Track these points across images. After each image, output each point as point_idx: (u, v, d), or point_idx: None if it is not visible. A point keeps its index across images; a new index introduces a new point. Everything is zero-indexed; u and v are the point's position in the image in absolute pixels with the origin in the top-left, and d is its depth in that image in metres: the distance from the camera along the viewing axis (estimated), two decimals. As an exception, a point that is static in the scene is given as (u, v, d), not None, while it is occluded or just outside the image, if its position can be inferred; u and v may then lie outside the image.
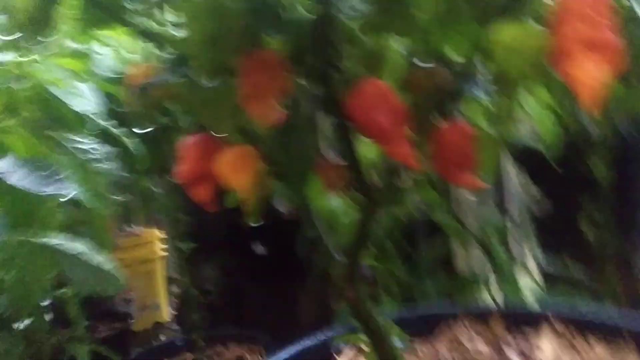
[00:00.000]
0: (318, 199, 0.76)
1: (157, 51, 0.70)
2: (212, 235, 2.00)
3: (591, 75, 0.46)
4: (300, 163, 0.55)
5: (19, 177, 0.70)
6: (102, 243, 1.25)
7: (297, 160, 0.55)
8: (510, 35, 0.47)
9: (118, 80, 1.23)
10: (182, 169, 0.62)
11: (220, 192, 0.71)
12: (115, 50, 1.21)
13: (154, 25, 0.65)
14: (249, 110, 0.56)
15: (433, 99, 0.59)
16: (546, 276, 1.50)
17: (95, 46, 1.22)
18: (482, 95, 0.60)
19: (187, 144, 0.63)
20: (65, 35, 1.03)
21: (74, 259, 0.78)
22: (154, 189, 1.85)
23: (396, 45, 0.68)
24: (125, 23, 0.66)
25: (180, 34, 0.54)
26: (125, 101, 0.67)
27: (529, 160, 1.57)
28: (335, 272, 0.63)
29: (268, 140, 0.59)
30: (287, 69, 0.56)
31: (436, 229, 1.31)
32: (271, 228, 2.00)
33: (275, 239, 1.94)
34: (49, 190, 0.72)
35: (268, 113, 0.55)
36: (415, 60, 0.63)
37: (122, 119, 1.34)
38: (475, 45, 0.53)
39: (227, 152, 0.60)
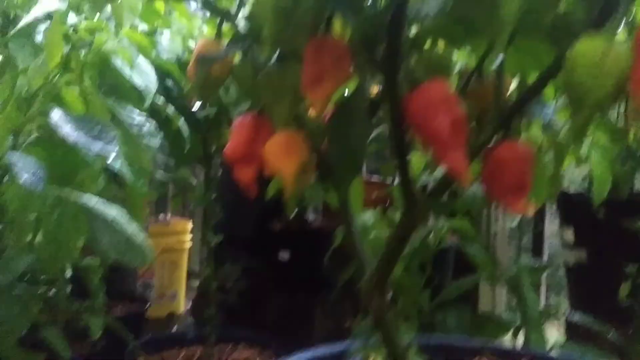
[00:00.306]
0: (357, 201, 0.74)
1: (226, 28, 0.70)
2: (241, 234, 2.00)
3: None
4: (351, 157, 0.54)
5: (69, 130, 0.70)
6: (135, 220, 1.26)
7: (349, 154, 0.54)
8: (592, 51, 0.45)
9: (178, 62, 1.25)
10: (231, 147, 0.61)
11: (263, 182, 0.70)
12: (179, 32, 1.22)
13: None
14: (309, 96, 0.55)
15: (496, 113, 0.57)
16: (573, 328, 1.45)
17: (160, 25, 1.24)
18: (548, 116, 0.58)
19: (239, 122, 0.62)
20: (131, 10, 1.05)
21: (108, 223, 0.78)
22: (192, 178, 1.87)
23: (466, 53, 0.67)
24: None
25: (249, 8, 0.54)
26: (188, 76, 0.67)
27: (572, 206, 1.54)
28: (364, 281, 0.61)
29: (321, 130, 0.58)
30: (353, 58, 0.55)
31: (467, 262, 1.28)
32: (299, 237, 2.00)
33: (302, 249, 1.93)
34: (96, 148, 0.72)
35: (326, 100, 0.54)
36: (483, 71, 0.62)
37: (177, 102, 1.36)
38: (552, 63, 0.51)
39: (278, 135, 0.59)
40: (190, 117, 1.41)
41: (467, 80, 0.61)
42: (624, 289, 1.34)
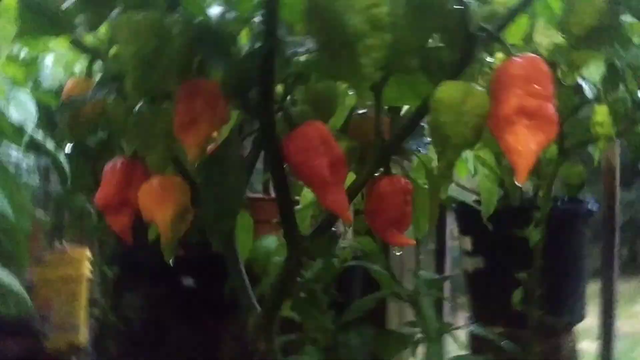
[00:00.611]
0: (246, 236, 0.73)
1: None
2: (140, 261, 1.93)
3: (527, 144, 0.45)
4: (227, 202, 0.52)
5: None
6: (20, 258, 1.18)
7: (224, 199, 0.52)
8: (454, 95, 0.46)
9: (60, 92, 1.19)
10: (102, 194, 0.58)
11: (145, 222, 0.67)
12: (60, 61, 1.16)
13: (91, 38, 0.62)
14: (182, 139, 0.53)
15: (374, 149, 0.57)
16: (474, 340, 1.50)
17: (41, 55, 1.18)
18: (423, 151, 0.59)
19: (110, 167, 0.59)
20: (5, 41, 0.98)
21: (-23, 274, 0.72)
22: (87, 207, 1.79)
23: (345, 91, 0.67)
24: (63, 32, 0.63)
25: (116, 50, 0.51)
26: (59, 115, 0.63)
27: (470, 218, 1.59)
28: (251, 321, 0.59)
29: (197, 173, 0.56)
30: (226, 101, 0.53)
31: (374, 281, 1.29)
32: (202, 262, 1.95)
33: (206, 274, 1.88)
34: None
35: (201, 144, 0.53)
36: (361, 108, 0.62)
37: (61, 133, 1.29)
38: (422, 101, 0.52)
39: (151, 181, 0.57)
40: (77, 145, 1.35)
41: (349, 116, 0.61)
42: (517, 295, 1.39)
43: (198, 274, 1.86)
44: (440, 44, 0.54)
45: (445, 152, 0.47)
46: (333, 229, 1.68)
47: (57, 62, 1.15)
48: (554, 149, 1.37)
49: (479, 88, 0.47)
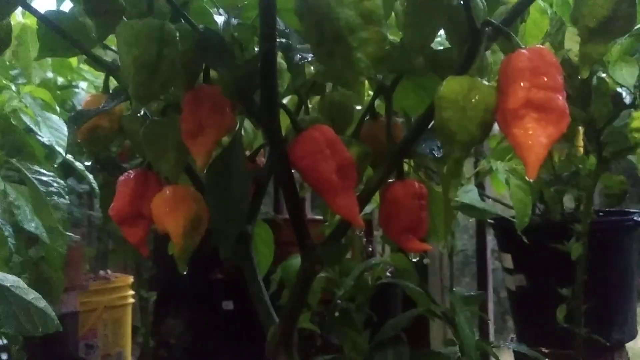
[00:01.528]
0: (267, 249, 0.72)
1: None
2: (181, 286, 1.94)
3: (537, 138, 0.43)
4: (232, 207, 0.52)
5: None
6: (55, 282, 1.21)
7: (229, 204, 0.51)
8: (457, 90, 0.45)
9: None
10: (116, 207, 0.59)
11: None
12: (92, 84, 1.20)
13: (106, 52, 0.63)
14: (190, 147, 0.53)
15: (388, 153, 0.56)
16: (521, 355, 1.44)
17: (74, 79, 1.22)
18: (436, 153, 0.58)
19: (124, 180, 0.60)
20: (39, 65, 1.02)
21: (4, 291, 0.74)
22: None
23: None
24: (81, 50, 0.64)
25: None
26: (69, 127, 0.64)
27: (509, 235, 1.54)
28: (269, 336, 0.58)
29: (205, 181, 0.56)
30: (232, 107, 0.53)
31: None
32: (242, 284, 1.94)
33: (245, 297, 1.88)
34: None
35: (208, 151, 0.53)
36: (371, 112, 0.61)
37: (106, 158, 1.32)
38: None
39: (164, 191, 0.57)
40: (113, 168, 1.38)
41: (360, 122, 0.60)
42: (561, 312, 1.34)
43: (238, 296, 1.87)
44: (448, 43, 0.53)
45: (452, 149, 0.46)
46: (369, 248, 1.66)
47: (91, 85, 1.18)
48: (593, 160, 1.33)
49: (484, 82, 0.46)
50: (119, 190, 0.59)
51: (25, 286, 0.76)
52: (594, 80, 1.25)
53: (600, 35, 0.51)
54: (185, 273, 1.83)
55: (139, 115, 0.61)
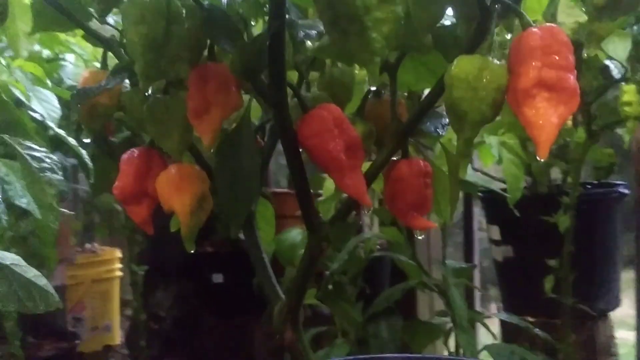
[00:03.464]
0: (268, 227, 0.72)
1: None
2: (170, 260, 1.95)
3: (548, 118, 0.44)
4: (242, 187, 0.52)
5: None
6: (48, 258, 1.20)
7: (239, 183, 0.51)
8: (468, 69, 0.45)
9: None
10: (120, 185, 0.58)
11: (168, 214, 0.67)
12: (81, 57, 1.17)
13: (105, 28, 0.62)
14: (196, 126, 0.53)
15: (393, 132, 0.56)
16: (506, 330, 1.47)
17: (62, 51, 1.19)
18: (440, 132, 0.58)
19: (127, 158, 0.59)
20: (26, 38, 1.00)
21: (4, 269, 0.73)
22: (115, 207, 1.81)
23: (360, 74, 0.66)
24: (79, 25, 0.63)
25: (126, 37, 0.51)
26: (72, 105, 0.64)
27: (497, 207, 1.56)
28: (276, 313, 0.59)
29: (212, 160, 0.55)
30: (238, 85, 0.53)
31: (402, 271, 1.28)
32: (232, 258, 1.96)
33: (235, 270, 1.89)
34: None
35: (215, 130, 0.52)
36: (376, 89, 0.61)
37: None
38: (437, 80, 0.51)
39: (169, 170, 0.57)
40: (101, 142, 1.37)
41: (364, 100, 0.60)
42: (548, 282, 1.36)
43: (228, 269, 1.87)
44: (453, 20, 0.53)
45: (462, 129, 0.46)
46: (359, 222, 1.67)
47: (79, 58, 1.16)
48: (582, 132, 1.34)
49: (496, 61, 0.46)
50: (123, 168, 0.59)
51: (25, 264, 0.76)
52: (584, 53, 1.26)
53: (608, 12, 0.51)
54: (174, 246, 1.83)
55: (139, 92, 0.60)
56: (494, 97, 0.45)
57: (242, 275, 1.85)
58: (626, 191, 1.57)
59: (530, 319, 1.44)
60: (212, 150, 0.56)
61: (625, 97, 1.13)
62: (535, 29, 0.45)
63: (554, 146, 1.49)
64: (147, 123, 0.57)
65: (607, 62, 1.23)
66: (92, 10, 0.65)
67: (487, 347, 1.07)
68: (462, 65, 0.46)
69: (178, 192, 0.55)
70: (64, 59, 1.23)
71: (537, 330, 1.11)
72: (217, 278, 1.92)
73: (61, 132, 1.04)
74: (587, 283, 1.48)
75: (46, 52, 1.24)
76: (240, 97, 0.53)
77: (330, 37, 0.41)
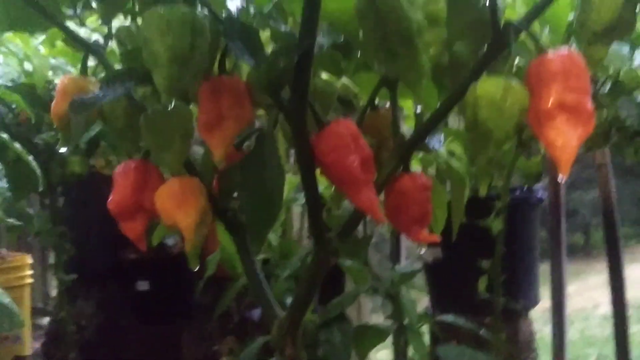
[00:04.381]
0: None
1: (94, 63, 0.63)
2: (92, 267, 1.85)
3: (568, 139, 0.46)
4: (268, 209, 0.50)
5: None
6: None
7: (265, 205, 0.50)
8: (494, 90, 0.46)
9: (17, 89, 1.12)
10: (116, 199, 0.55)
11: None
12: (13, 54, 1.09)
13: (93, 33, 0.58)
14: (207, 139, 0.51)
15: (395, 146, 0.57)
16: (443, 327, 1.53)
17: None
18: (437, 147, 0.59)
19: (123, 170, 0.56)
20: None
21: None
22: (31, 212, 1.70)
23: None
24: (58, 26, 0.59)
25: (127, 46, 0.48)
26: (55, 114, 0.59)
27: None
28: (275, 327, 0.57)
29: (227, 176, 0.53)
30: (251, 99, 0.51)
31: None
32: (158, 265, 1.89)
33: (162, 277, 1.83)
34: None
35: (227, 144, 0.51)
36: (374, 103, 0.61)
37: (11, 129, 1.23)
38: (451, 96, 0.52)
39: (171, 183, 0.54)
40: (27, 143, 1.29)
41: (363, 114, 0.60)
42: (482, 283, 1.42)
43: (154, 276, 1.81)
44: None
45: (486, 147, 0.47)
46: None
47: (13, 58, 1.08)
48: (512, 141, 1.41)
49: (518, 84, 0.47)
50: (119, 182, 0.55)
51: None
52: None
53: (604, 38, 0.54)
54: (96, 253, 1.75)
55: (121, 101, 0.57)
56: (517, 118, 0.47)
57: (169, 281, 1.80)
58: (544, 195, 1.67)
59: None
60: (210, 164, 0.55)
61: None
62: (555, 54, 0.47)
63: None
64: (145, 134, 0.54)
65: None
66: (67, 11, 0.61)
67: (438, 349, 1.10)
68: (487, 87, 0.47)
69: (182, 206, 0.53)
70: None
71: (482, 332, 1.16)
72: (143, 285, 1.85)
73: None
74: (511, 282, 1.56)
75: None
76: (253, 111, 0.52)
77: (376, 56, 0.41)
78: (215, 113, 0.50)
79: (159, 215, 0.54)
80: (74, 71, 1.34)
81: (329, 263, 0.54)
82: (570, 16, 0.56)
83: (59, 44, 1.21)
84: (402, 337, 1.12)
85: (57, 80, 1.32)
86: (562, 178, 0.46)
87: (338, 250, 0.53)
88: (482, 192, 0.51)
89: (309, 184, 0.51)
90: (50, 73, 1.25)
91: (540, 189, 1.71)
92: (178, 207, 0.53)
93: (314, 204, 0.53)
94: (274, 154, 0.50)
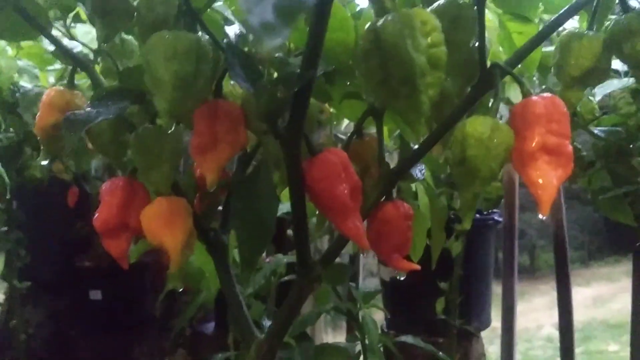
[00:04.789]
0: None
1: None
2: (43, 274, 1.80)
3: (549, 179, 0.48)
4: (259, 233, 0.51)
5: None
6: None
7: (257, 230, 0.50)
8: (482, 129, 0.48)
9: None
10: (102, 217, 0.54)
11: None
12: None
13: (84, 50, 0.58)
14: (200, 162, 0.51)
15: (381, 176, 0.58)
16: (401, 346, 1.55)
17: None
18: (421, 176, 0.61)
19: (109, 187, 0.55)
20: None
21: None
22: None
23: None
24: (47, 37, 0.58)
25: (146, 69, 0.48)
26: (39, 127, 0.58)
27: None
28: (252, 350, 0.58)
29: (210, 196, 0.54)
30: (245, 124, 0.52)
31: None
32: (112, 274, 1.86)
33: (115, 286, 1.80)
34: None
35: (220, 167, 0.51)
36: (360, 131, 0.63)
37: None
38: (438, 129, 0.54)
39: (157, 203, 0.54)
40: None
41: (349, 141, 0.62)
42: (439, 304, 1.46)
43: (108, 286, 1.77)
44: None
45: (472, 184, 0.49)
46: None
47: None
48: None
49: (504, 124, 0.50)
50: (105, 200, 0.55)
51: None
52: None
53: (580, 83, 0.58)
54: (49, 261, 1.70)
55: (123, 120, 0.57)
56: (503, 157, 0.49)
57: (122, 292, 1.77)
58: (500, 219, 1.72)
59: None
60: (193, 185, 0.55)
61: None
62: (539, 98, 0.50)
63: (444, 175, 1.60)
64: (134, 152, 0.54)
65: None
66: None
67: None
68: (475, 126, 0.49)
69: (169, 227, 0.53)
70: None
71: (440, 354, 1.19)
72: (96, 295, 1.81)
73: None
74: (466, 304, 1.60)
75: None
76: (247, 136, 0.53)
77: (377, 95, 0.43)
78: (209, 136, 0.50)
79: (144, 234, 0.54)
80: (39, 74, 1.31)
81: (312, 289, 0.55)
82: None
83: (25, 44, 1.19)
84: (362, 357, 1.13)
85: (23, 82, 1.29)
86: (542, 216, 0.48)
87: (321, 276, 0.54)
88: (467, 226, 0.53)
89: (298, 208, 0.52)
90: (15, 75, 1.23)
91: (497, 212, 1.76)
92: (165, 227, 0.53)
93: (301, 227, 0.53)
94: (269, 183, 0.51)
